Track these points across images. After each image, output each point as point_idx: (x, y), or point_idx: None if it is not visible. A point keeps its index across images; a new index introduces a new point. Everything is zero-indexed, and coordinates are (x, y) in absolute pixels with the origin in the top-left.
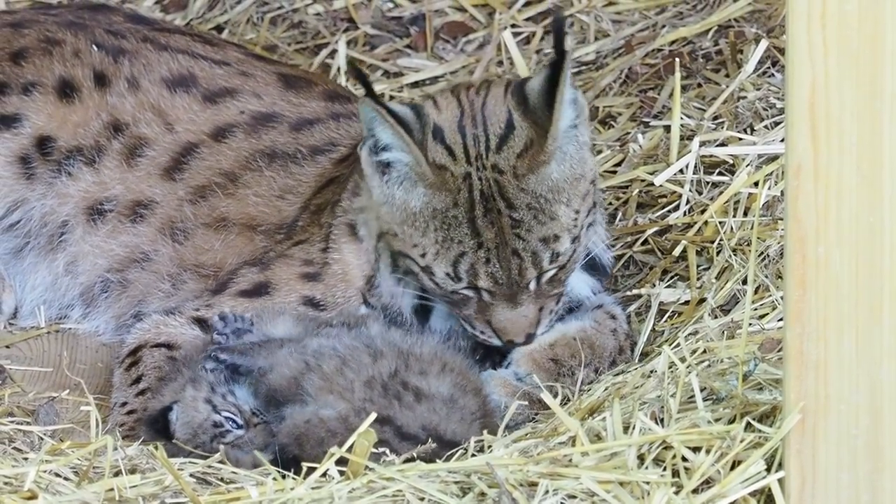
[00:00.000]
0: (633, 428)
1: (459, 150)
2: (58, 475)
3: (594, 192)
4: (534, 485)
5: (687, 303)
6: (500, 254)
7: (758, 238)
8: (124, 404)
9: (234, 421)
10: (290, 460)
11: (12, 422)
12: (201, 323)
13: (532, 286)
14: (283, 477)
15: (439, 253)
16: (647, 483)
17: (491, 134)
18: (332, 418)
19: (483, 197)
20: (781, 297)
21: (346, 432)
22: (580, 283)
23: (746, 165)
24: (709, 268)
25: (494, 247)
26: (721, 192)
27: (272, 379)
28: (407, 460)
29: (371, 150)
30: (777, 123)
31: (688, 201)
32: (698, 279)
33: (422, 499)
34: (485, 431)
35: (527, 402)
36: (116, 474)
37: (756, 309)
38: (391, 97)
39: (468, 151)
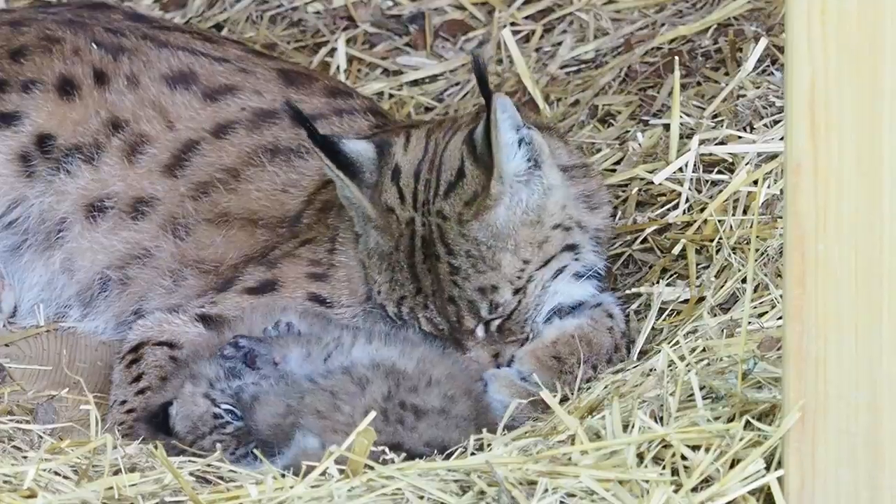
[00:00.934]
0: (633, 426)
1: (409, 194)
2: (57, 474)
3: (565, 236)
4: (533, 483)
5: (686, 301)
6: (437, 301)
7: (757, 236)
8: (123, 402)
9: (233, 413)
10: None
11: (11, 420)
12: (205, 320)
13: (479, 333)
14: (283, 476)
15: (387, 293)
16: (647, 481)
17: (442, 181)
18: None
19: (424, 243)
20: (781, 296)
21: None
22: (579, 290)
23: (746, 164)
24: (708, 266)
25: (432, 293)
26: (720, 191)
27: (259, 423)
28: (406, 458)
29: (339, 186)
30: (776, 122)
31: (687, 200)
32: (698, 277)
33: (421, 497)
34: (484, 430)
35: (527, 401)
36: (116, 473)
37: (755, 307)
38: (390, 95)
39: (417, 196)
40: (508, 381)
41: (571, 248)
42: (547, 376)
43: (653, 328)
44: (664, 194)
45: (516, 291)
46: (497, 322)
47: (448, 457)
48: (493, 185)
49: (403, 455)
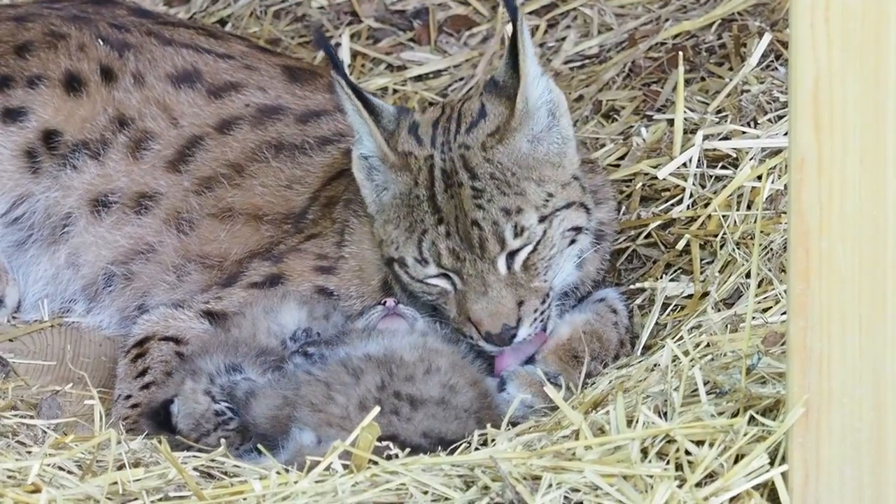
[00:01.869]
0: (637, 421)
1: (427, 139)
2: (61, 469)
3: (581, 193)
4: (537, 478)
5: (690, 296)
6: (460, 226)
7: (761, 231)
8: (128, 397)
9: (234, 410)
10: None
11: (16, 415)
12: (210, 316)
13: (501, 268)
14: (287, 471)
15: (407, 239)
16: (651, 477)
17: (462, 122)
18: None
19: (444, 174)
20: (785, 291)
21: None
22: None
23: (750, 159)
24: (712, 261)
25: (454, 219)
26: (724, 186)
27: (256, 416)
28: (411, 453)
29: (356, 146)
30: (780, 117)
31: (691, 195)
32: (702, 273)
33: (425, 492)
34: (488, 425)
35: (542, 399)
36: (120, 468)
37: (759, 302)
38: (394, 91)
39: (436, 139)
40: (529, 378)
41: (586, 209)
42: (567, 374)
43: (657, 323)
44: (668, 189)
45: (542, 219)
46: (521, 256)
47: (452, 452)
48: (518, 103)
49: (407, 451)
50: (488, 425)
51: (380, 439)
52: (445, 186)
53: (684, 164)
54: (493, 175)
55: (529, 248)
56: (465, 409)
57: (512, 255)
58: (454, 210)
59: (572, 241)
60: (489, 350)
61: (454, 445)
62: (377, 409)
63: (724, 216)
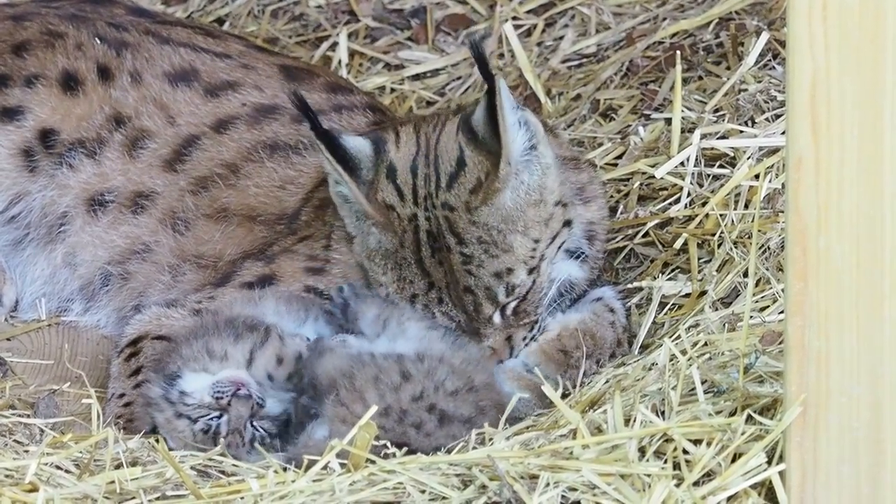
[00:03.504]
0: (634, 420)
1: (408, 191)
2: (59, 468)
3: (563, 212)
4: (535, 477)
5: (688, 295)
6: (452, 293)
7: (759, 231)
8: (122, 395)
9: (213, 418)
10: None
11: (13, 414)
12: (202, 315)
13: (496, 320)
14: (284, 469)
15: (398, 293)
16: (648, 475)
17: (442, 173)
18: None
19: (430, 237)
20: (782, 290)
21: None
22: (570, 268)
23: (747, 158)
24: (710, 260)
25: (445, 286)
26: (722, 185)
27: (320, 372)
28: (408, 452)
29: (333, 183)
30: (778, 116)
31: (689, 194)
32: (699, 272)
33: (423, 491)
34: (486, 424)
35: (535, 396)
36: (117, 467)
37: (757, 301)
38: (392, 90)
39: (417, 192)
40: (516, 373)
41: (568, 223)
42: (553, 370)
43: (654, 322)
44: (666, 188)
45: (531, 271)
46: (513, 305)
47: (449, 451)
48: (501, 168)
49: (405, 450)
50: (485, 424)
51: (393, 443)
52: (432, 251)
53: (682, 164)
54: (480, 239)
55: (520, 299)
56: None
57: (505, 307)
58: (444, 276)
59: (557, 252)
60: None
61: (452, 445)
62: (374, 408)
63: (721, 215)
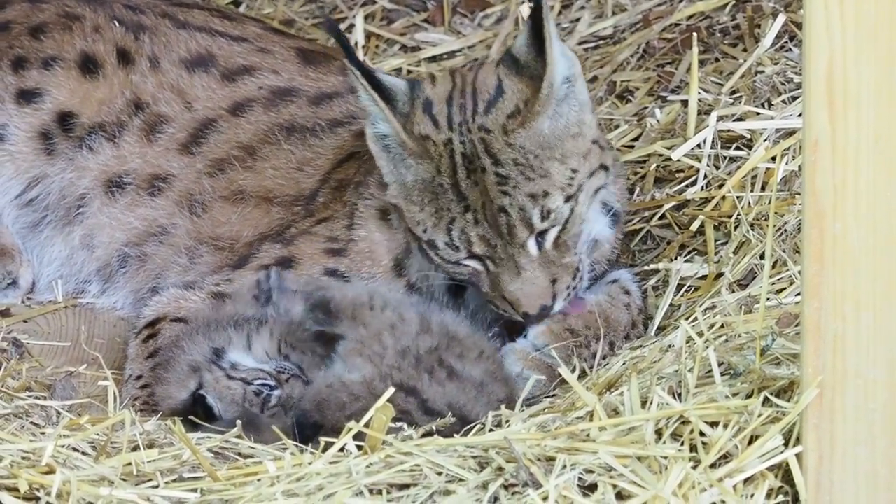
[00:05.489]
0: (651, 403)
1: (443, 120)
2: (75, 450)
3: (601, 154)
4: (551, 459)
5: (704, 277)
6: (487, 213)
7: (775, 213)
8: (139, 377)
9: (268, 385)
10: (309, 426)
11: (30, 396)
12: (221, 298)
13: (532, 249)
14: (301, 451)
15: (436, 225)
16: (665, 458)
17: (479, 100)
18: (356, 382)
19: (465, 159)
20: (799, 272)
21: (368, 397)
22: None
23: (764, 140)
24: (726, 242)
25: (481, 206)
26: (739, 167)
27: (336, 296)
28: (425, 434)
29: (370, 124)
30: (794, 98)
31: (705, 176)
32: (716, 254)
33: (439, 473)
34: (503, 406)
35: (545, 377)
36: (134, 449)
37: (774, 283)
38: (409, 72)
39: (451, 119)
40: (524, 353)
41: (605, 168)
42: (560, 349)
43: (671, 304)
44: (682, 170)
45: (568, 199)
46: (551, 235)
47: (466, 433)
48: (543, 89)
49: (421, 431)
50: (502, 406)
51: (403, 389)
52: (468, 172)
53: (698, 146)
54: (516, 161)
55: (559, 227)
56: (499, 400)
57: (542, 235)
58: (480, 196)
59: (595, 194)
60: (521, 321)
61: (468, 427)
62: (392, 389)
63: (738, 197)
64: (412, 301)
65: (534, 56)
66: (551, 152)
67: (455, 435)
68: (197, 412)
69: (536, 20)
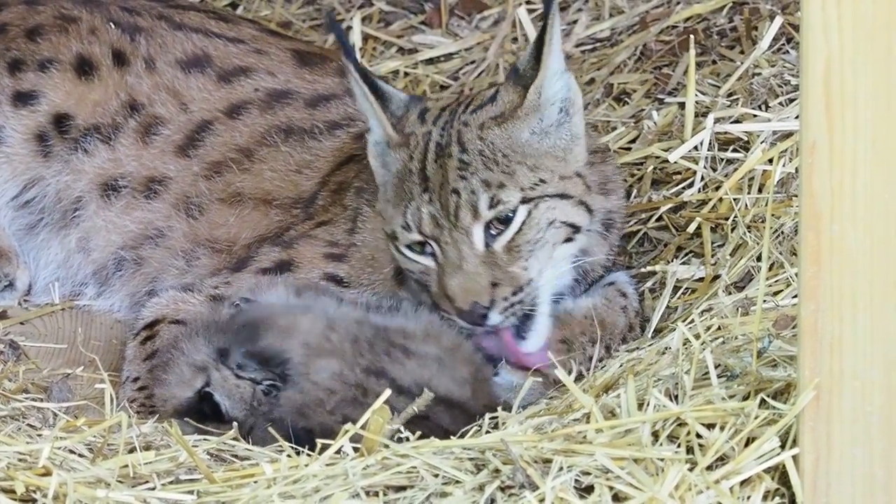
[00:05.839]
0: (648, 405)
1: (431, 119)
2: (72, 452)
3: (584, 192)
4: (548, 461)
5: (701, 279)
6: (442, 193)
7: (772, 215)
8: (136, 379)
9: (277, 386)
10: (301, 433)
11: (27, 398)
12: (220, 301)
13: (477, 241)
14: (298, 454)
15: (396, 209)
16: (662, 460)
17: (472, 105)
18: (326, 378)
19: (438, 147)
20: (796, 274)
21: (343, 388)
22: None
23: (761, 142)
24: (723, 244)
25: (438, 187)
26: (736, 169)
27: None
28: (410, 423)
29: (371, 136)
30: (792, 100)
31: (702, 178)
32: (713, 256)
33: (436, 475)
34: (499, 408)
35: (541, 380)
36: (131, 451)
37: (770, 285)
38: (406, 74)
39: (439, 119)
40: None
41: (588, 210)
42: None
43: (668, 306)
44: (679, 172)
45: (526, 200)
46: (504, 237)
47: (462, 435)
48: (529, 95)
49: (418, 434)
50: (499, 408)
51: (373, 373)
52: (436, 157)
53: (695, 148)
54: (482, 152)
55: (514, 229)
56: (463, 377)
57: (493, 235)
58: (440, 179)
59: (568, 240)
60: (466, 328)
61: (465, 430)
62: (388, 392)
63: (735, 199)
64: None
65: (531, 63)
66: (523, 158)
67: (431, 416)
68: (203, 410)
69: (542, 27)
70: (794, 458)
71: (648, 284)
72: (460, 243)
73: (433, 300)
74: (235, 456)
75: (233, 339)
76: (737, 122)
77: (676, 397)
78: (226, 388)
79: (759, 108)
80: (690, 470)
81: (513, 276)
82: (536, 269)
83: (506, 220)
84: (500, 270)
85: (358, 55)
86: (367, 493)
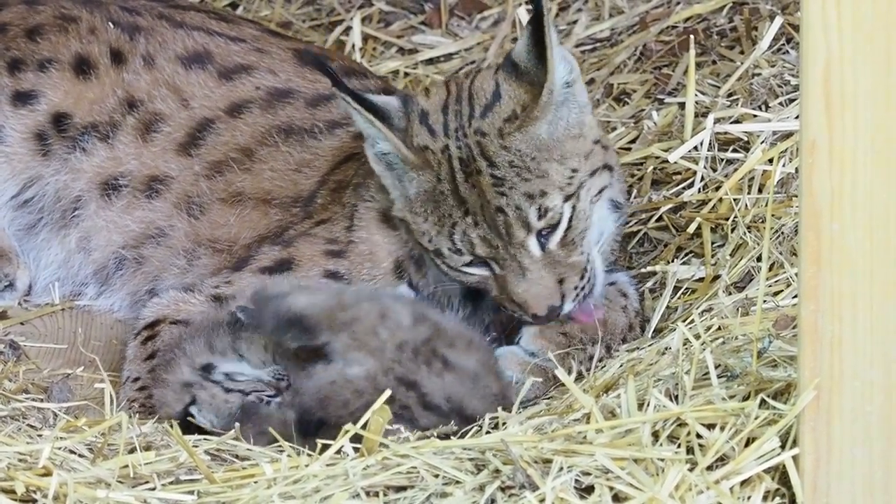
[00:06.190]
0: (648, 405)
1: (439, 128)
2: (72, 452)
3: (604, 154)
4: (548, 462)
5: (701, 279)
6: (486, 215)
7: (772, 215)
8: (136, 379)
9: (264, 395)
10: (313, 423)
11: (27, 398)
12: (220, 301)
13: (534, 249)
14: (298, 454)
15: (439, 232)
16: (662, 460)
17: (476, 105)
18: (360, 377)
19: (462, 163)
20: (796, 274)
21: (372, 392)
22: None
23: (761, 142)
24: (723, 245)
25: (479, 209)
26: (736, 169)
27: (306, 309)
28: (422, 437)
29: (370, 145)
30: (792, 100)
31: (702, 178)
32: (713, 256)
33: (436, 475)
34: (499, 408)
35: (541, 379)
36: (131, 451)
37: (770, 286)
38: (406, 74)
39: (447, 126)
40: (516, 357)
41: (609, 168)
42: (554, 353)
43: (668, 306)
44: (679, 173)
45: (568, 198)
46: (556, 236)
47: (463, 435)
48: (544, 95)
49: (418, 434)
50: (499, 408)
51: (403, 383)
52: (465, 176)
53: (695, 148)
54: (511, 163)
55: (563, 227)
56: (494, 394)
57: (545, 236)
58: (477, 199)
59: (600, 193)
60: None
61: (466, 430)
62: (388, 392)
63: (735, 199)
64: (395, 294)
65: (534, 62)
66: (549, 154)
67: (452, 437)
68: (192, 425)
69: (537, 26)
70: (794, 458)
71: (648, 284)
72: (518, 256)
73: (497, 301)
74: (236, 456)
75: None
76: (737, 122)
77: (676, 397)
78: (214, 405)
79: (759, 108)
80: (690, 470)
81: (574, 264)
82: (590, 246)
83: (555, 223)
84: (562, 265)
85: (357, 56)
86: (368, 494)
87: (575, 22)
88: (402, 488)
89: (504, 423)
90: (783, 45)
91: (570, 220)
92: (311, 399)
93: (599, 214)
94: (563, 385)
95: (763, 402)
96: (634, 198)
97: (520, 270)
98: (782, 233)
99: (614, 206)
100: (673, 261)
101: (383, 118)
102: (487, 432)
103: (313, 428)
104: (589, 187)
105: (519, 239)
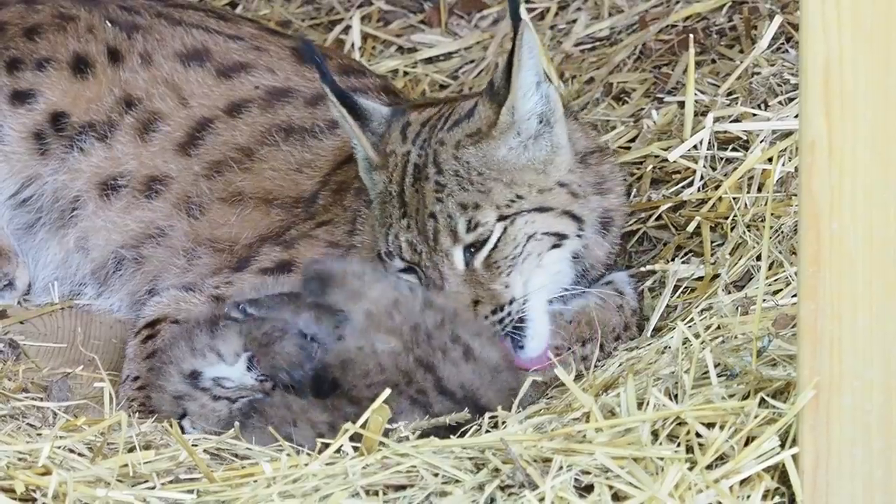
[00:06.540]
0: (647, 404)
1: (412, 136)
2: (72, 451)
3: (569, 200)
4: (548, 461)
5: (701, 278)
6: (419, 218)
7: (772, 214)
8: (136, 378)
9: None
10: (327, 381)
11: (26, 397)
12: (220, 300)
13: (458, 262)
14: (297, 453)
15: (381, 234)
16: (661, 459)
17: (451, 120)
18: (386, 353)
19: (416, 169)
20: (795, 273)
21: (393, 371)
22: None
23: (760, 141)
24: (723, 244)
25: (415, 212)
26: (735, 168)
27: (332, 267)
28: (429, 431)
29: (357, 150)
30: (791, 99)
31: (702, 177)
32: (712, 255)
33: (436, 474)
34: (499, 407)
35: (540, 379)
36: (131, 450)
37: (770, 285)
38: (405, 73)
39: (419, 136)
40: None
41: (575, 218)
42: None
43: (667, 305)
44: (679, 172)
45: (501, 218)
46: (482, 254)
47: (462, 434)
48: (502, 115)
49: (417, 433)
50: (499, 408)
51: (422, 365)
52: (414, 180)
53: (695, 147)
54: (457, 172)
55: (490, 245)
56: (511, 389)
57: (472, 253)
58: (416, 203)
59: (556, 246)
60: None
61: (465, 429)
62: (388, 391)
63: (734, 198)
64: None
65: (504, 82)
66: (499, 175)
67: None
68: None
69: (512, 46)
70: (794, 457)
71: (648, 283)
72: (440, 265)
73: None
74: (235, 455)
75: (302, 288)
76: (736, 121)
77: (676, 396)
78: (203, 414)
79: (759, 107)
80: (690, 469)
81: (493, 293)
82: (520, 282)
83: (483, 239)
84: (482, 288)
85: (357, 55)
86: (367, 493)
87: (574, 21)
88: (402, 487)
89: (504, 422)
90: (783, 44)
91: (499, 240)
92: (333, 358)
93: (552, 258)
94: (562, 384)
95: (762, 401)
96: (634, 197)
97: (440, 280)
98: (782, 232)
99: (578, 261)
100: (672, 260)
101: (359, 117)
102: (487, 431)
103: (326, 387)
104: (530, 220)
105: (444, 247)
